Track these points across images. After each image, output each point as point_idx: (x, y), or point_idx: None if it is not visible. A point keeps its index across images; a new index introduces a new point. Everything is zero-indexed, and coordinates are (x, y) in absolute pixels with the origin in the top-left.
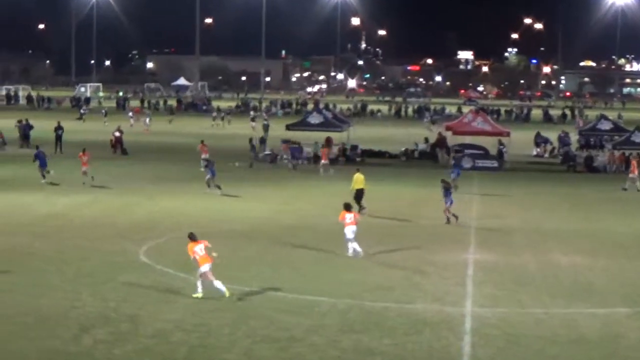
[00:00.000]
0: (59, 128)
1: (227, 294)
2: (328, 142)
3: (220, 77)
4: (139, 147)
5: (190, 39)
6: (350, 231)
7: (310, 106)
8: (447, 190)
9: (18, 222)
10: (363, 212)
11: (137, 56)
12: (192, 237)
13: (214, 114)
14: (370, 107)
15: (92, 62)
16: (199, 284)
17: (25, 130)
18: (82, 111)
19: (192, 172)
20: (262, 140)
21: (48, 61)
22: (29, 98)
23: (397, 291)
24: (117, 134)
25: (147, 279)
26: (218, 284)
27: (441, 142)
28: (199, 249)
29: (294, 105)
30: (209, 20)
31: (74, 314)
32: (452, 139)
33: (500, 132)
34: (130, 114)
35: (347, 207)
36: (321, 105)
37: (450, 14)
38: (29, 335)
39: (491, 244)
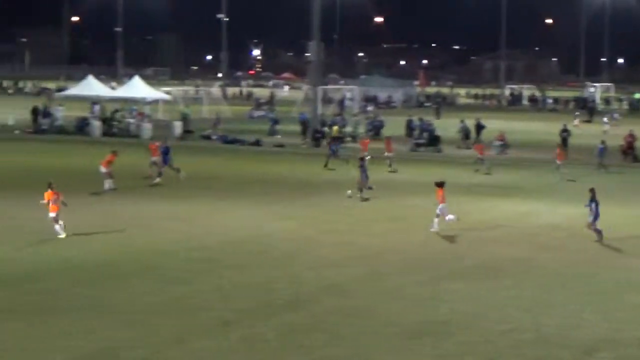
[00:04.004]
0: (564, 131)
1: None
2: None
3: None
4: None
5: None
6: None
7: None
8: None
9: (520, 231)
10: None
11: None
12: (51, 187)
13: None
14: None
15: (604, 60)
16: (57, 228)
17: (467, 131)
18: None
19: None
20: None
21: (555, 59)
22: (531, 98)
23: None
24: (630, 138)
25: None
26: (57, 227)
27: None
28: (53, 199)
29: None
30: None
31: (576, 335)
32: None
33: None
34: None
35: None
36: None
37: None
38: (525, 354)
39: None
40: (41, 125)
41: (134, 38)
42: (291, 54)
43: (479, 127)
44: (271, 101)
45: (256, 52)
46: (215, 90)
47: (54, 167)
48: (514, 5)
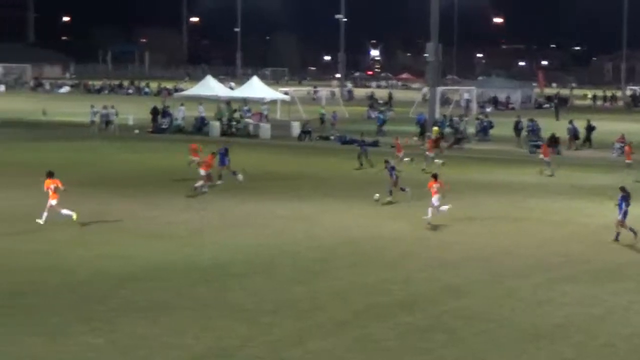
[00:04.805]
0: None
1: (75, 217)
2: None
3: None
4: None
5: None
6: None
7: None
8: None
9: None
10: None
11: None
12: (50, 175)
13: None
14: None
15: None
16: (45, 213)
17: (576, 132)
18: None
19: None
20: None
21: None
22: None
23: None
24: None
25: None
26: (64, 211)
27: None
28: (53, 186)
29: None
30: None
31: None
32: None
33: None
34: None
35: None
36: None
37: None
38: None
39: None
40: (160, 125)
41: (252, 38)
42: (409, 54)
43: (590, 129)
44: (389, 102)
45: (374, 53)
46: (336, 90)
47: (172, 166)
48: (636, 4)
